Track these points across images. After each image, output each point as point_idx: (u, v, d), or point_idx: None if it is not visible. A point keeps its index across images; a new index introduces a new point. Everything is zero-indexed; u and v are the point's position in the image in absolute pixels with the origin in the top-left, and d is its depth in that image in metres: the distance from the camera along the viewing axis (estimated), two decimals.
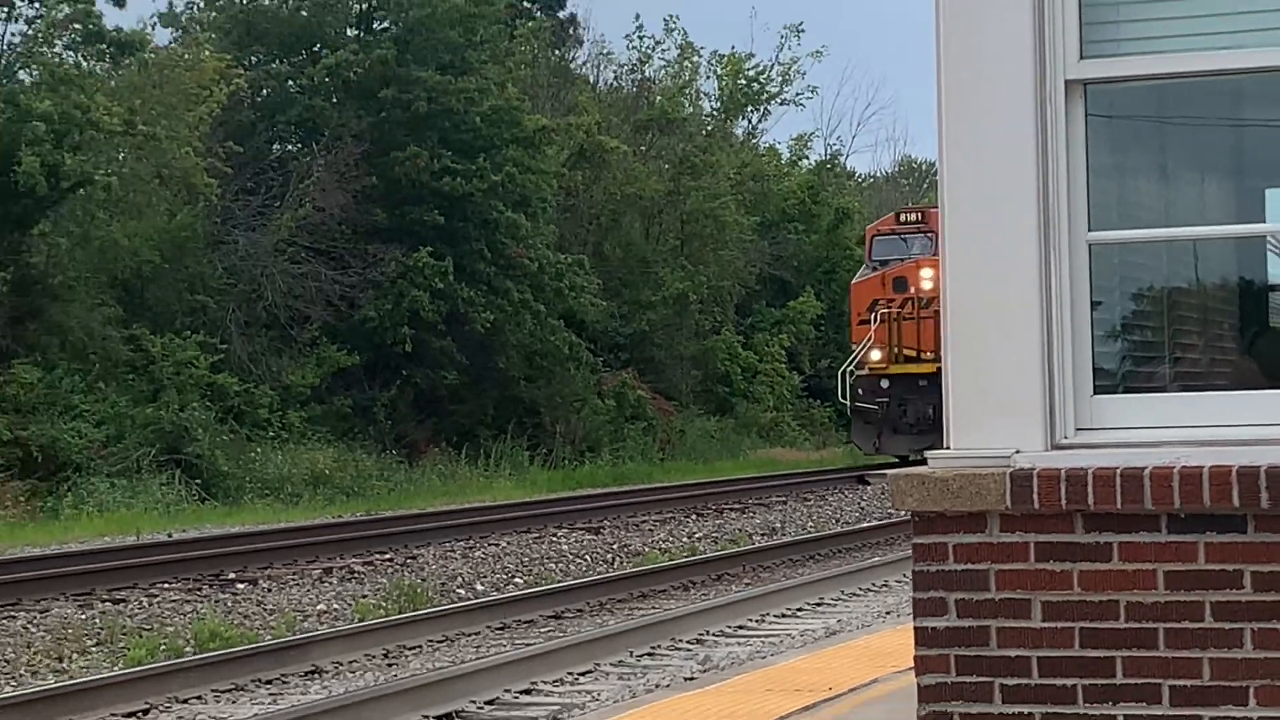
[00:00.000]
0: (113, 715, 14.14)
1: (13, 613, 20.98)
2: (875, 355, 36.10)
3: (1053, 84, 5.69)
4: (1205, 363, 6.20)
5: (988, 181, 5.77)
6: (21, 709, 13.96)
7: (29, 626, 20.12)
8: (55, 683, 16.07)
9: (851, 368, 37.68)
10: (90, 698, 14.63)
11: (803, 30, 73.26)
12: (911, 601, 5.91)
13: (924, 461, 16.89)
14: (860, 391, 37.13)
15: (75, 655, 18.03)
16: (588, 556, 29.17)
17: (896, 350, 36.06)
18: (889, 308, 36.20)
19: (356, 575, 25.55)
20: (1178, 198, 6.24)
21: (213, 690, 15.55)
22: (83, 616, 20.76)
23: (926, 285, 35.34)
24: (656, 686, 14.68)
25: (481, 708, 14.60)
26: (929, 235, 37.40)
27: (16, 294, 38.91)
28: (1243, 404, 5.68)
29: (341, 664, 17.23)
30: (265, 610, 21.41)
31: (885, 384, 36.29)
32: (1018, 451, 5.60)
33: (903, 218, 41.17)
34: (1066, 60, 5.70)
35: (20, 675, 16.86)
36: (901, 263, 37.68)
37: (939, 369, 28.92)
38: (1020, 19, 5.73)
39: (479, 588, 24.32)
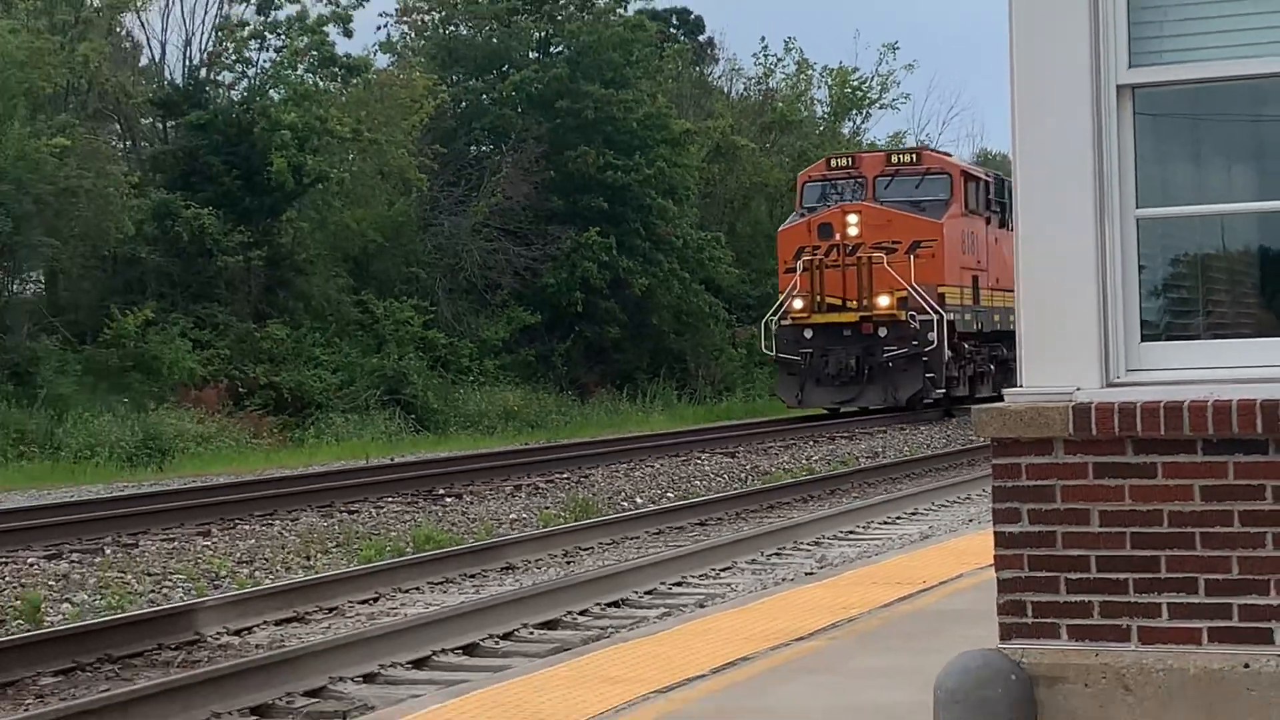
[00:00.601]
0: (349, 602, 14.48)
1: (270, 520, 21.57)
2: (798, 304, 31.21)
3: (1107, 89, 5.66)
4: (1232, 315, 6.16)
5: (1053, 169, 5.73)
6: (281, 596, 14.28)
7: (283, 532, 20.72)
8: (304, 576, 16.49)
9: (775, 318, 32.49)
10: (332, 588, 15.03)
11: (898, 47, 73.42)
12: (991, 511, 5.93)
13: (838, 412, 35.01)
14: (784, 342, 31.97)
15: (319, 555, 18.49)
16: (725, 475, 29.25)
17: (820, 299, 30.95)
18: (813, 255, 30.97)
19: (540, 491, 25.83)
20: (1209, 180, 6.16)
21: (427, 582, 15.94)
22: (325, 524, 21.33)
23: (853, 231, 30.51)
24: (783, 580, 14.87)
25: (642, 597, 14.83)
26: (859, 180, 33.13)
27: (269, 268, 40.90)
28: (1265, 348, 5.64)
29: (529, 561, 17.52)
30: (468, 519, 21.91)
31: (809, 334, 31.05)
32: (1078, 389, 5.59)
33: (833, 163, 35.86)
34: (1118, 69, 5.66)
35: (277, 570, 17.29)
36: (828, 208, 32.53)
37: (863, 318, 34.55)
38: (1080, 34, 5.69)
39: (638, 501, 24.53)
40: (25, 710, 9.47)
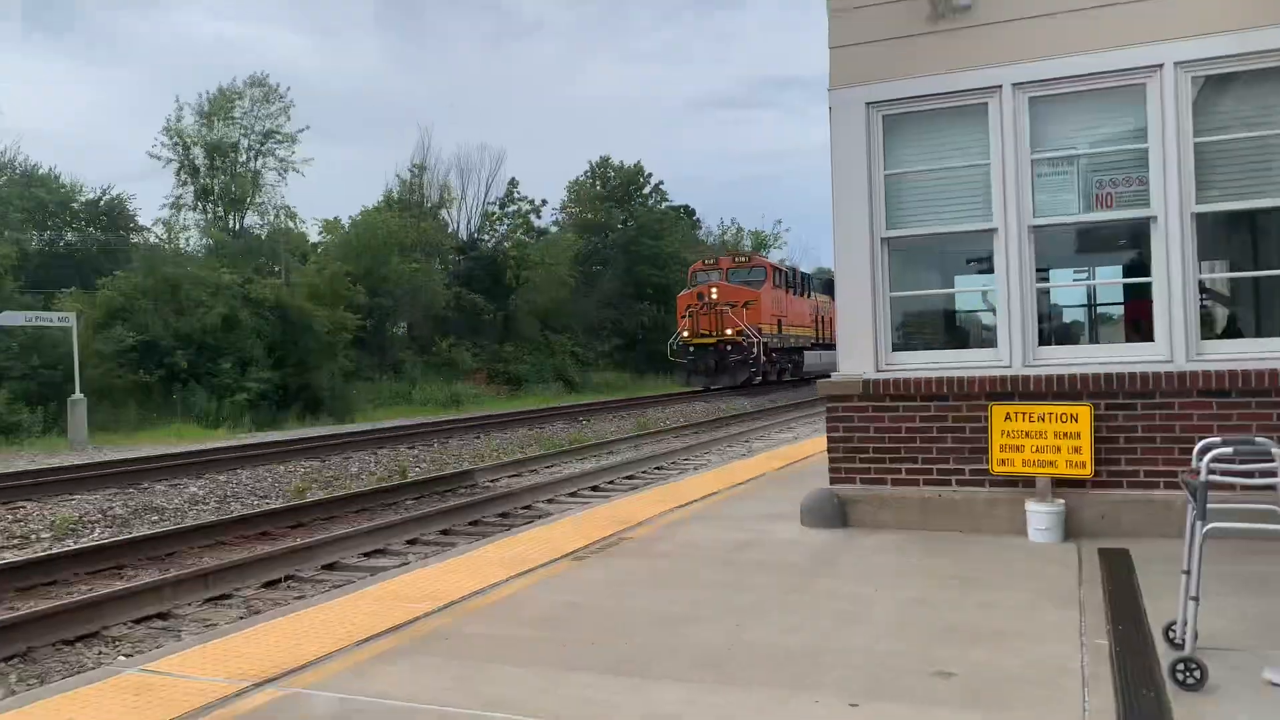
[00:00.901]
0: (540, 468, 13.82)
1: (508, 430, 20.18)
2: (685, 333, 32.40)
3: (876, 239, 6.47)
4: (931, 339, 6.63)
5: (853, 272, 6.36)
6: (511, 465, 14.02)
7: (514, 436, 19.21)
8: (520, 456, 15.88)
9: (674, 343, 33.40)
10: (531, 462, 14.29)
11: (780, 220, 76.99)
12: (825, 427, 6.51)
13: (705, 390, 30.71)
14: (682, 352, 32.85)
15: (530, 447, 17.43)
16: (701, 414, 29.46)
17: (696, 330, 32.18)
18: (693, 308, 32.58)
19: (625, 417, 25.63)
20: (927, 279, 6.73)
21: (576, 458, 15.08)
22: (531, 433, 19.97)
23: (714, 295, 31.86)
24: (732, 458, 14.31)
25: (671, 466, 13.99)
26: (718, 269, 34.32)
27: (504, 321, 42.39)
28: (943, 354, 6.24)
29: (621, 448, 16.73)
30: (596, 433, 21.11)
31: (691, 349, 32.20)
32: (864, 373, 6.25)
33: (706, 261, 36.85)
34: (880, 229, 6.27)
35: (512, 453, 16.48)
36: (703, 284, 33.41)
37: (718, 341, 34.37)
38: (864, 215, 6.52)
39: (666, 423, 25.05)
40: (405, 512, 9.91)
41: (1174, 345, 5.72)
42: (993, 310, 6.28)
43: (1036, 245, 6.04)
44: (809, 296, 39.91)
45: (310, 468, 13.80)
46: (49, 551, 8.29)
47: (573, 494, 11.45)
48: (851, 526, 6.29)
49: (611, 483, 12.32)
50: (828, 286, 38.68)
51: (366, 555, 8.21)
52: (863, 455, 6.39)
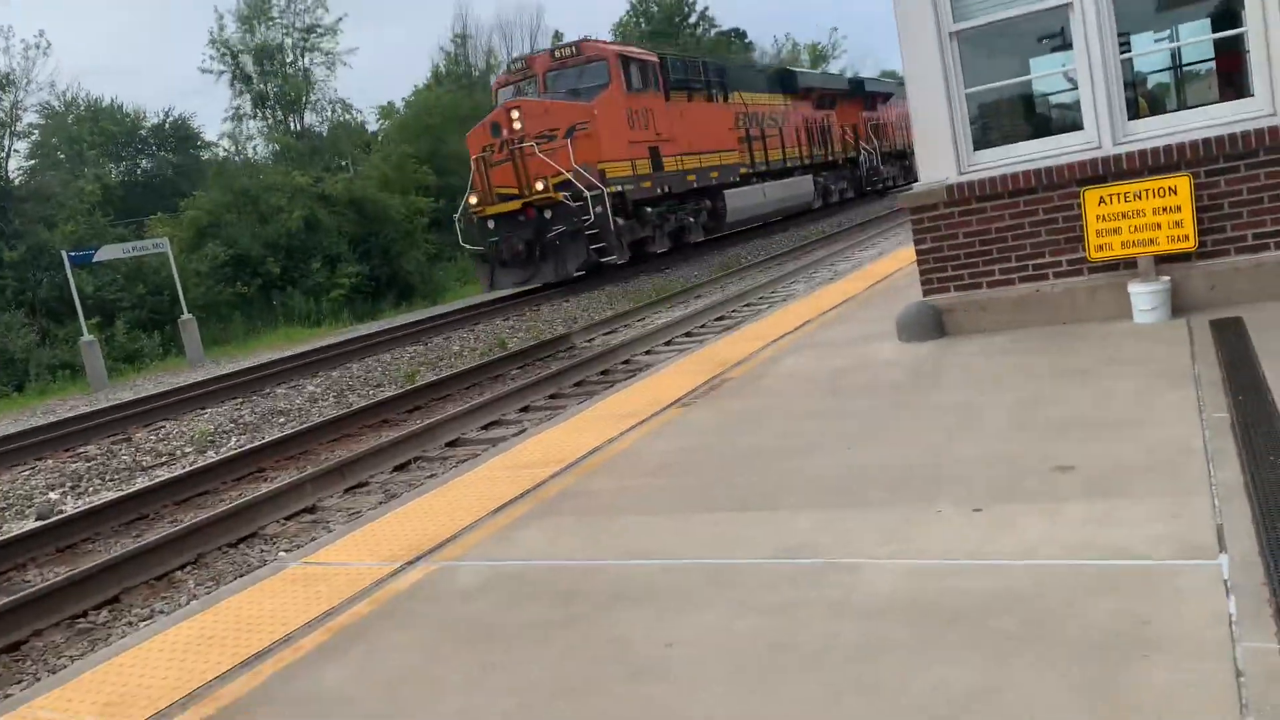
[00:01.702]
0: (633, 321, 14.02)
1: (594, 291, 20.00)
2: (473, 200, 19.80)
3: (945, 32, 6.05)
4: (1011, 132, 6.26)
5: (924, 73, 6.08)
6: (603, 323, 14.25)
7: (597, 298, 19.04)
8: (613, 313, 15.91)
9: (460, 214, 20.78)
10: (624, 317, 14.35)
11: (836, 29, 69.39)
12: (912, 238, 6.34)
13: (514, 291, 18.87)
14: (475, 235, 20.19)
15: (618, 302, 17.70)
16: (760, 252, 29.28)
17: (490, 191, 19.55)
18: (484, 153, 19.81)
19: (703, 262, 26.21)
20: (995, 70, 6.33)
21: (666, 306, 15.06)
22: (603, 297, 20.86)
23: (517, 126, 19.40)
24: (819, 283, 14.44)
25: (757, 302, 14.20)
26: (532, 79, 21.28)
27: None
28: (1026, 146, 5.94)
29: (702, 296, 17.02)
30: (676, 280, 20.95)
31: (491, 224, 19.69)
32: (947, 178, 6.06)
33: (513, 67, 22.79)
34: (950, 23, 5.98)
35: (602, 312, 16.31)
36: (502, 107, 20.55)
37: (525, 204, 19.09)
38: (928, 9, 6.16)
39: (728, 260, 25.02)
40: (512, 382, 10.28)
41: (1276, 97, 5.34)
42: (1075, 87, 5.93)
43: (1115, 10, 5.62)
44: (727, 99, 25.94)
45: (415, 352, 14.23)
46: (194, 465, 8.83)
47: (668, 343, 11.57)
48: (950, 335, 6.22)
49: (704, 326, 12.40)
50: (824, 90, 33.15)
51: (484, 428, 8.51)
52: (954, 262, 6.25)
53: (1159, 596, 2.50)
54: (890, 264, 10.61)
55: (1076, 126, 5.91)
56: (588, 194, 18.88)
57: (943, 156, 6.16)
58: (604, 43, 22.78)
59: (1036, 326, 5.94)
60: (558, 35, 47.44)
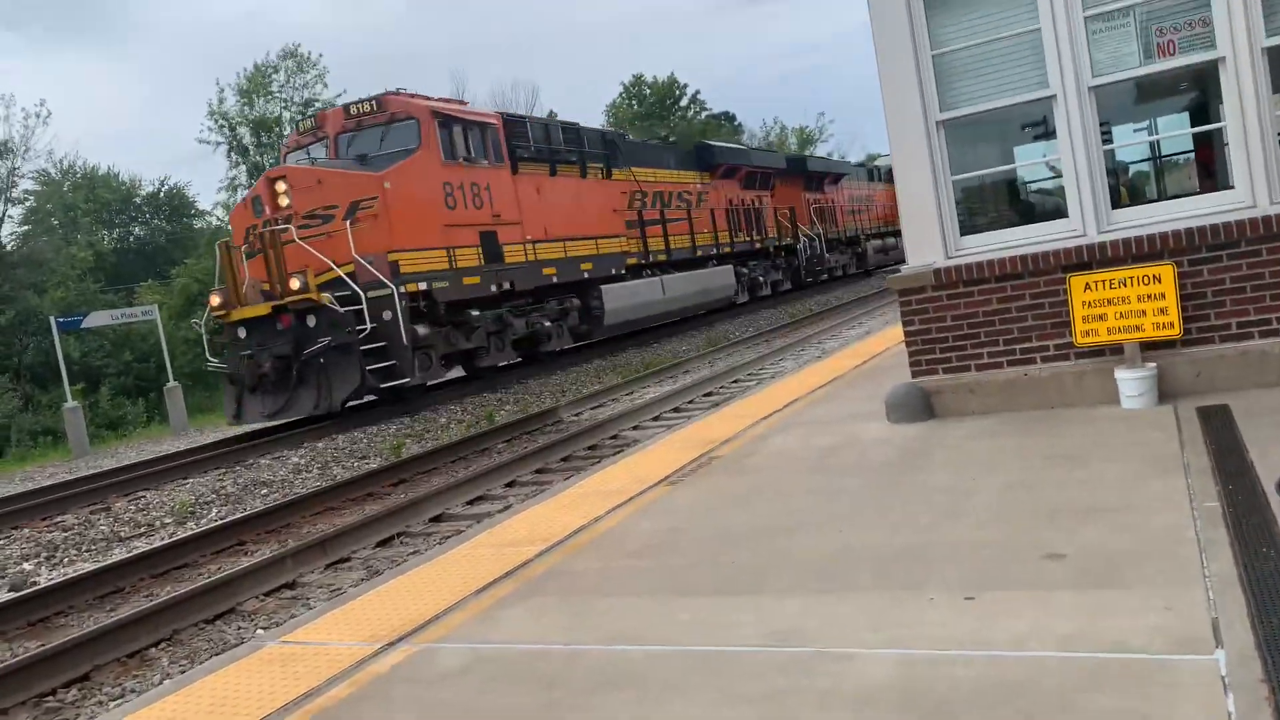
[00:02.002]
0: (621, 395, 13.83)
1: (575, 366, 19.57)
2: (215, 300, 13.95)
3: (931, 121, 6.27)
4: (996, 218, 6.41)
5: (909, 159, 6.19)
6: (589, 398, 14.12)
7: (584, 373, 18.82)
8: (597, 388, 15.79)
9: (205, 319, 14.87)
10: (612, 391, 14.32)
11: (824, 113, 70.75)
12: (900, 319, 6.36)
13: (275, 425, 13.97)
14: (230, 347, 14.38)
15: (605, 376, 17.86)
16: (765, 321, 29.44)
17: (237, 290, 14.05)
18: (247, 237, 14.55)
19: (687, 337, 26.16)
20: (987, 155, 6.60)
21: (655, 382, 15.04)
22: (609, 363, 21.42)
23: (284, 202, 13.88)
24: (805, 362, 14.39)
25: (748, 378, 13.90)
26: (324, 142, 15.89)
27: None
28: (1010, 233, 6.02)
29: (694, 369, 17.10)
30: (663, 355, 21.03)
31: (242, 333, 14.01)
32: (935, 262, 6.09)
33: (302, 126, 17.02)
34: (936, 112, 6.07)
35: (589, 387, 16.27)
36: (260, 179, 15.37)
37: (276, 308, 12.88)
38: (916, 96, 6.30)
39: (734, 335, 25.22)
40: (498, 456, 10.23)
41: (1255, 189, 5.45)
42: (1059, 177, 6.05)
43: (1097, 101, 5.76)
44: (611, 175, 20.85)
45: (401, 424, 14.12)
46: (175, 537, 8.68)
47: (655, 419, 11.53)
48: (939, 417, 6.21)
49: (691, 402, 12.38)
50: (707, 157, 26.20)
51: (470, 503, 8.41)
52: (942, 345, 6.27)
53: (1156, 693, 2.45)
54: (878, 343, 10.67)
55: (1061, 213, 6.01)
56: (364, 295, 13.83)
57: (930, 241, 6.23)
58: (420, 97, 16.50)
59: (1024, 410, 5.95)
60: (552, 114, 47.82)
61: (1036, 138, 6.58)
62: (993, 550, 3.69)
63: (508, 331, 17.29)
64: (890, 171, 41.40)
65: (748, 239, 27.79)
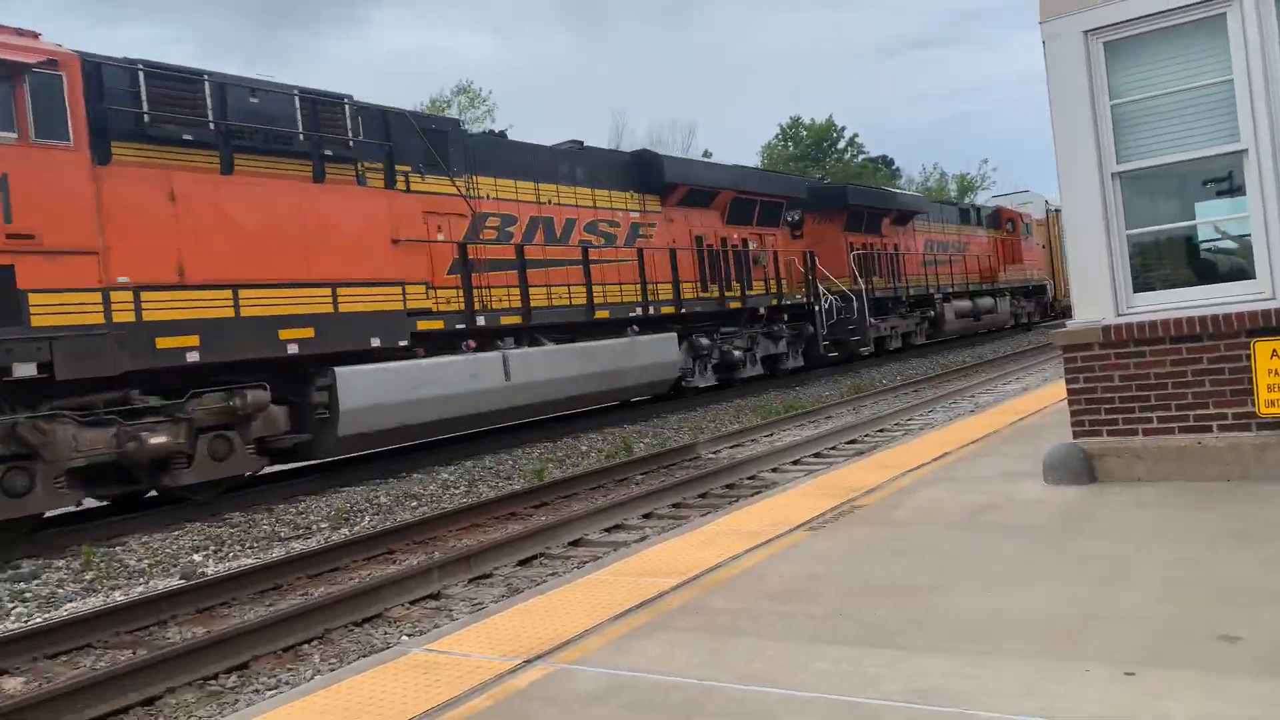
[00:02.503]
0: (760, 436, 13.93)
1: (717, 403, 19.88)
2: None
3: (1107, 173, 6.06)
4: (1173, 276, 5.99)
5: (1080, 212, 6.00)
6: (727, 437, 14.03)
7: (728, 407, 18.93)
8: (738, 428, 15.85)
9: None
10: (751, 431, 14.35)
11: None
12: (1064, 376, 6.10)
13: None
14: None
15: (746, 415, 18.05)
16: (913, 372, 28.78)
17: None
18: None
19: (837, 381, 25.35)
20: (1164, 210, 6.31)
21: (795, 424, 14.94)
22: (744, 404, 21.55)
23: None
24: (957, 415, 14.04)
25: (894, 426, 13.74)
26: None
27: None
28: (1190, 292, 5.72)
29: (838, 413, 16.53)
30: (806, 400, 21.30)
31: None
32: (1104, 319, 5.85)
33: None
34: (1113, 164, 5.85)
35: (727, 426, 16.39)
36: None
37: None
38: (1089, 151, 6.06)
39: (883, 382, 24.46)
40: (636, 488, 10.33)
41: None
42: (1245, 235, 5.68)
43: None
44: (409, 183, 13.12)
45: (545, 448, 14.43)
46: (329, 541, 9.13)
47: (795, 462, 11.39)
48: (1101, 481, 5.90)
49: (834, 448, 12.16)
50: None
51: (607, 530, 8.52)
52: (1108, 405, 5.96)
53: None
54: (1036, 400, 10.23)
55: (1246, 274, 5.65)
56: None
57: (1100, 297, 5.97)
58: None
59: (1196, 481, 5.59)
60: (707, 154, 48.20)
61: (1220, 193, 6.19)
62: (1157, 625, 3.47)
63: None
64: (995, 214, 36.17)
65: (719, 294, 19.28)
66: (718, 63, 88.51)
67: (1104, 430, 5.99)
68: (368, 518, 10.29)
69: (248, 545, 9.24)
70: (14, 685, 5.68)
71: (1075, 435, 6.08)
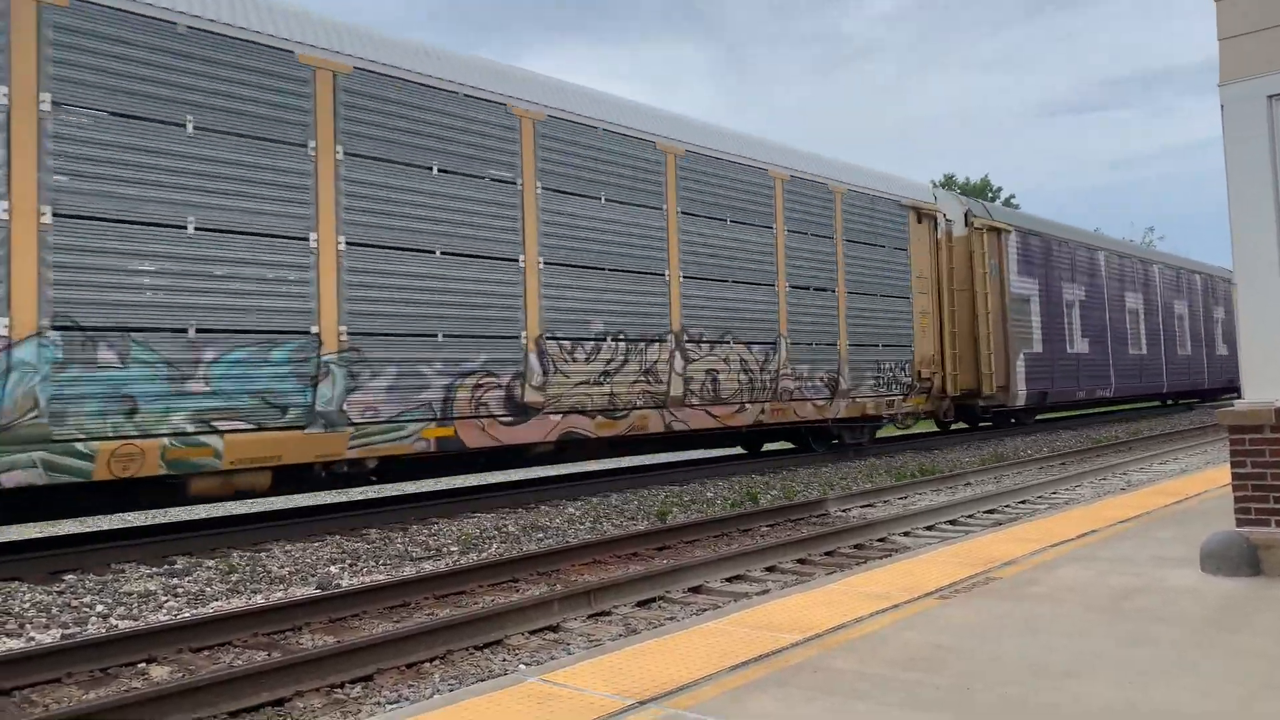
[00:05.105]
0: (894, 499, 13.49)
1: (861, 459, 20.05)
2: None
3: None
4: None
5: (1258, 288, 5.76)
6: (860, 495, 13.75)
7: (864, 466, 19.32)
8: (870, 487, 15.60)
9: None
10: (883, 493, 14.12)
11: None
12: (1230, 459, 5.78)
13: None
14: None
15: (879, 477, 17.66)
16: (1059, 445, 27.12)
17: None
18: None
19: (976, 447, 24.43)
20: None
21: (931, 490, 14.60)
22: (878, 462, 20.03)
23: None
24: (1106, 493, 13.28)
25: (1037, 499, 13.23)
26: None
27: None
28: None
29: (978, 480, 16.08)
30: (940, 463, 21.15)
31: None
32: (1277, 400, 5.69)
33: None
34: None
35: (861, 485, 16.19)
36: None
37: None
38: (1271, 226, 5.71)
39: (1022, 454, 23.66)
40: (760, 539, 10.25)
41: None
42: None
43: None
44: None
45: (670, 491, 14.45)
46: (457, 564, 9.36)
47: (929, 528, 10.99)
48: (1266, 575, 5.48)
49: (971, 516, 11.68)
50: None
51: (728, 580, 8.42)
52: (1278, 494, 5.55)
53: None
54: (1195, 483, 9.59)
55: None
56: None
57: (1273, 374, 5.58)
58: None
59: None
60: None
61: None
62: None
63: None
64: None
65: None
66: (867, 120, 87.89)
67: (1272, 520, 5.58)
68: (495, 544, 10.52)
69: (381, 561, 9.58)
70: (161, 673, 6.04)
71: (1239, 523, 5.69)
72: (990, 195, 55.05)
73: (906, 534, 10.58)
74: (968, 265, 21.95)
